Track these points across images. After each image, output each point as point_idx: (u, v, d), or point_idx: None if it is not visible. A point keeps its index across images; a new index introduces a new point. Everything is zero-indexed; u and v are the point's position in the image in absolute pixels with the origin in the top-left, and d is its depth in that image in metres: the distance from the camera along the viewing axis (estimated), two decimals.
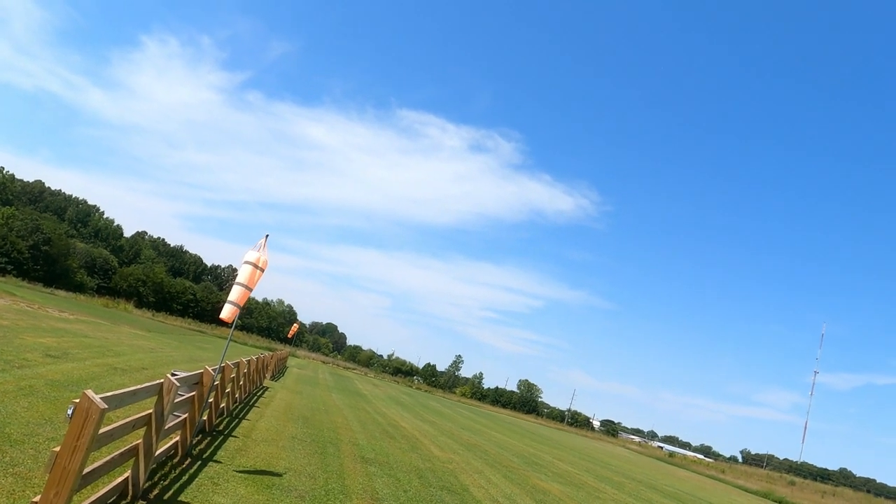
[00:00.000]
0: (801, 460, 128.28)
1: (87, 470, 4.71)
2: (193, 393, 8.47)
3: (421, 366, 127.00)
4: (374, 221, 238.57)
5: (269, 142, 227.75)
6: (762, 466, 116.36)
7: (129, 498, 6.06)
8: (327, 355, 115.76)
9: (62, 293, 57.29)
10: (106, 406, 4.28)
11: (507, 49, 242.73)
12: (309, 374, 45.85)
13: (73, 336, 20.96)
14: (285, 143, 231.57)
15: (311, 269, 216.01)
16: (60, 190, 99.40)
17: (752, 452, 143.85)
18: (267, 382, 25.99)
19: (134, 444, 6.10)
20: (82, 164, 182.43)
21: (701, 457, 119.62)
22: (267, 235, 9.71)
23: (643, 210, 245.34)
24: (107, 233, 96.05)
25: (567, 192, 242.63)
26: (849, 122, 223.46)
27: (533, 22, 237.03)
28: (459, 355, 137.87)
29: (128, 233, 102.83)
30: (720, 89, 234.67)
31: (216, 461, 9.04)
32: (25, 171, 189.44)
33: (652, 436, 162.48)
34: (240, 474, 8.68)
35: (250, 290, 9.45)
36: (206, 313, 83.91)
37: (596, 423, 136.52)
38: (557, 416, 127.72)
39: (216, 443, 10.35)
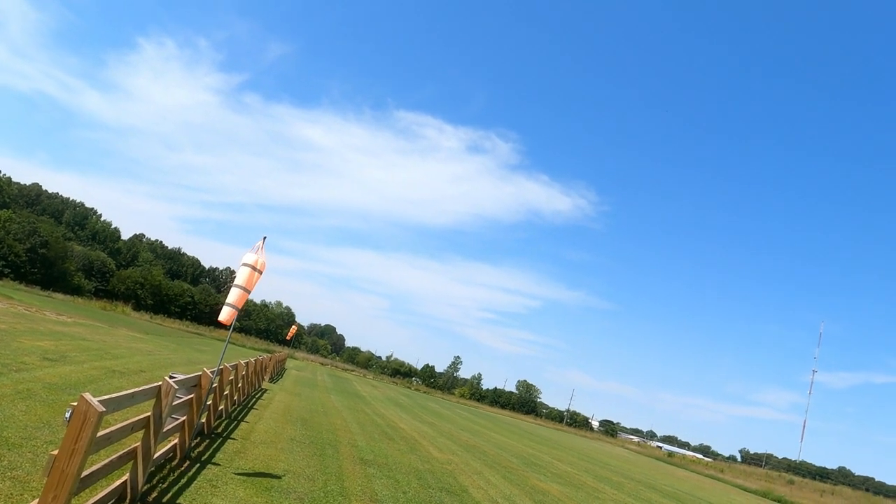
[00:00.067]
0: (800, 459, 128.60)
1: (85, 473, 4.70)
2: (192, 395, 8.45)
3: (419, 367, 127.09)
4: (372, 223, 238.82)
5: (267, 143, 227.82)
6: (761, 466, 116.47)
7: (127, 501, 6.05)
8: (326, 357, 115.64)
9: (60, 296, 57.17)
10: (104, 409, 4.27)
11: (504, 49, 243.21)
12: (307, 375, 45.80)
13: (71, 339, 20.91)
14: (283, 145, 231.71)
15: (309, 271, 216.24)
16: (58, 193, 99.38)
17: (751, 452, 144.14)
18: (265, 384, 25.96)
19: (132, 446, 6.09)
20: (79, 167, 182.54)
21: (700, 456, 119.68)
22: (265, 237, 9.71)
23: (641, 210, 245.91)
24: (104, 235, 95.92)
25: (564, 192, 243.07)
26: (847, 122, 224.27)
27: (530, 22, 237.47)
28: (458, 356, 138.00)
29: (125, 235, 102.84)
30: (717, 88, 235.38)
31: (215, 464, 9.03)
32: (22, 173, 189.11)
33: (651, 436, 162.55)
34: (238, 477, 8.67)
35: (248, 292, 9.45)
36: (204, 315, 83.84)
37: (595, 424, 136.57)
38: (556, 417, 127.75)
39: (215, 445, 10.34)
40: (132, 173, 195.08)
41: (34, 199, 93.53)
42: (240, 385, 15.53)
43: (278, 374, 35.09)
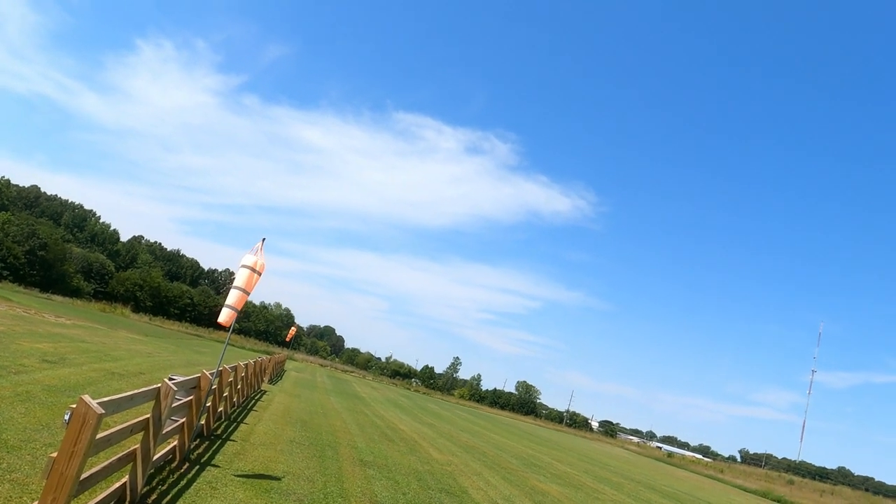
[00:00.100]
0: (800, 459, 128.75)
1: (84, 475, 4.70)
2: (191, 397, 8.44)
3: (419, 368, 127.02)
4: (371, 224, 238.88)
5: (266, 145, 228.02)
6: (761, 466, 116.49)
7: (126, 503, 6.04)
8: (325, 358, 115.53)
9: (59, 298, 57.09)
10: (103, 411, 4.27)
11: (502, 50, 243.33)
12: (307, 377, 45.77)
13: (70, 341, 20.89)
14: (282, 147, 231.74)
15: (308, 273, 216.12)
16: (56, 195, 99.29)
17: (751, 452, 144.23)
18: (265, 386, 25.94)
19: (132, 448, 6.08)
20: (78, 169, 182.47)
21: (699, 457, 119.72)
22: (264, 239, 9.71)
23: (640, 210, 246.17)
24: (103, 237, 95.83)
25: (564, 192, 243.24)
26: (847, 122, 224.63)
27: (528, 22, 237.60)
28: (457, 357, 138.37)
29: (124, 237, 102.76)
30: (717, 88, 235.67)
31: (214, 465, 9.02)
32: (21, 175, 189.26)
33: (650, 436, 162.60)
34: (238, 478, 8.66)
35: (248, 293, 9.45)
36: (204, 317, 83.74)
37: (594, 424, 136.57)
38: (556, 418, 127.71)
39: (214, 447, 10.33)
40: (131, 175, 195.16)
41: (33, 200, 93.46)
42: (239, 387, 15.52)
43: (277, 375, 35.07)
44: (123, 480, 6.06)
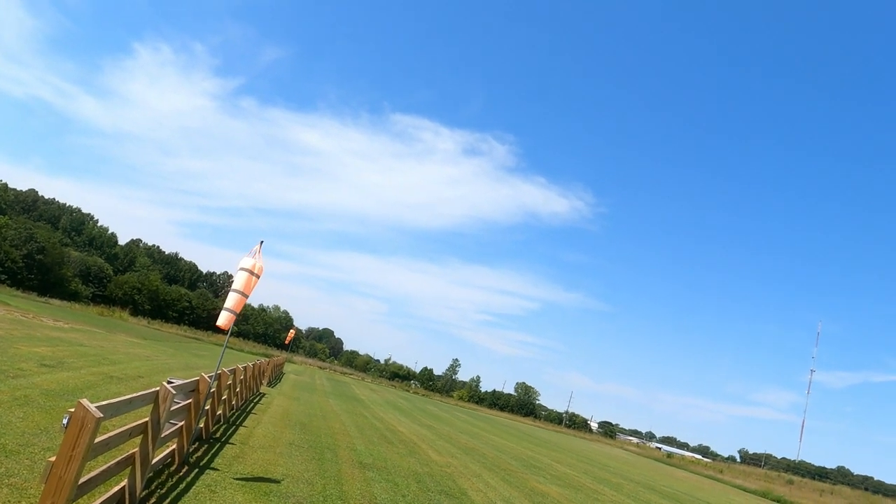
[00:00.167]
0: (799, 459, 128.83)
1: (83, 479, 4.69)
2: (190, 400, 8.44)
3: (418, 370, 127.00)
4: (369, 226, 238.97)
5: (263, 148, 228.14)
6: (760, 466, 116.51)
7: None
8: (324, 361, 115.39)
9: (57, 302, 56.98)
10: (101, 415, 4.27)
11: (500, 51, 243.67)
12: (306, 379, 45.71)
13: (69, 345, 20.85)
14: (279, 149, 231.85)
15: (306, 275, 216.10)
16: (54, 199, 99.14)
17: (750, 452, 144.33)
18: (264, 389, 25.91)
19: (130, 452, 6.07)
20: (75, 173, 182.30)
21: (699, 457, 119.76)
22: (262, 241, 9.71)
23: (638, 211, 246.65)
24: (101, 241, 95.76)
25: (562, 194, 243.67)
26: (847, 122, 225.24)
27: (526, 23, 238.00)
28: (456, 359, 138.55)
29: (122, 241, 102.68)
30: (716, 89, 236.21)
31: (213, 469, 9.01)
32: (18, 179, 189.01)
33: (650, 437, 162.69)
34: (237, 482, 8.65)
35: (246, 296, 9.44)
36: (202, 320, 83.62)
37: (594, 425, 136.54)
38: (555, 419, 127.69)
39: (213, 450, 10.32)
40: (129, 179, 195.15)
41: (30, 204, 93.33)
42: (238, 390, 15.50)
43: (276, 378, 35.02)
44: (122, 484, 6.05)
